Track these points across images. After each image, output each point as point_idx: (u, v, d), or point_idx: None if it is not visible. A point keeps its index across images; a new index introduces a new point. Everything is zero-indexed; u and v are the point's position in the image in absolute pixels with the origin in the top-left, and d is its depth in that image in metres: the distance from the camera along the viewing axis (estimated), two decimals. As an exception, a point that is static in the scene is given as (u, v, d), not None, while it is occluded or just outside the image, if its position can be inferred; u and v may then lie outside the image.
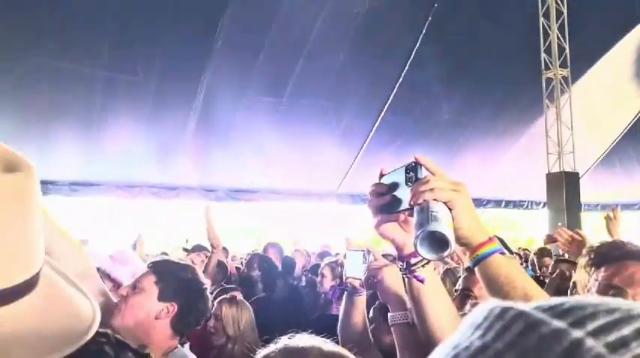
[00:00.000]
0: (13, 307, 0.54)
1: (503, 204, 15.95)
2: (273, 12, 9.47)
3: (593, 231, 18.47)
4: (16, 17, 7.94)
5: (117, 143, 10.22)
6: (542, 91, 10.49)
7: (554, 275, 2.82)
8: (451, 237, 0.78)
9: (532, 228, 18.36)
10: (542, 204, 15.30)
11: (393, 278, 1.24)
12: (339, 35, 10.28)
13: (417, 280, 1.00)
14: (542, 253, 4.29)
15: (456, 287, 1.69)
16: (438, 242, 0.78)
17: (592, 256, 1.13)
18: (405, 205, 0.93)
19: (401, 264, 1.02)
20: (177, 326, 1.64)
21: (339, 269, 3.53)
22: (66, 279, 0.66)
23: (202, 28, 9.16)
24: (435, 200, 0.84)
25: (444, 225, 0.79)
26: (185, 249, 6.64)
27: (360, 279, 1.40)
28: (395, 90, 11.44)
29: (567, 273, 2.73)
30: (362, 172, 13.05)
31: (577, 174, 10.67)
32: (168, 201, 11.94)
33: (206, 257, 3.97)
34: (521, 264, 6.08)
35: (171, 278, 1.67)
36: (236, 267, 5.12)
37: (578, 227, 10.25)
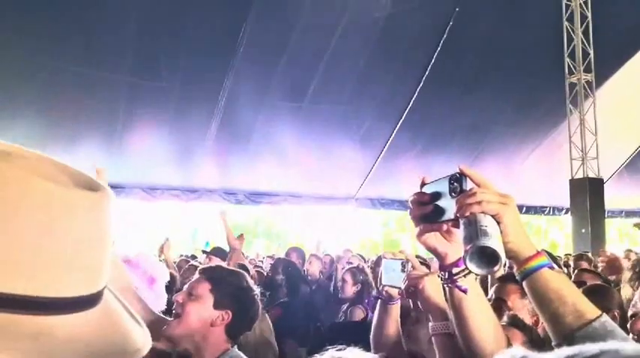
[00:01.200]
0: (72, 318, 0.55)
1: (525, 209, 15.72)
2: (295, 17, 9.55)
3: (618, 237, 18.15)
4: (40, 24, 8.13)
5: (140, 146, 10.40)
6: (565, 96, 10.34)
7: (575, 282, 2.83)
8: (502, 252, 0.79)
9: (553, 234, 18.07)
10: (564, 210, 15.07)
11: (434, 287, 1.25)
12: (359, 40, 10.30)
13: (460, 290, 1.00)
14: (580, 257, 4.23)
15: (488, 296, 1.69)
16: (487, 257, 0.79)
17: (637, 270, 1.11)
18: (448, 215, 0.93)
19: (442, 273, 1.03)
20: (232, 331, 1.69)
21: (360, 275, 3.52)
22: (118, 300, 0.66)
23: (224, 34, 9.29)
24: (482, 213, 0.85)
25: (494, 239, 0.80)
26: (204, 252, 6.69)
27: (399, 288, 1.41)
28: (415, 95, 11.40)
29: (588, 282, 2.74)
30: (381, 177, 13.03)
31: (601, 179, 10.48)
32: (189, 204, 12.09)
33: (222, 259, 4.00)
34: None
35: (226, 285, 1.71)
36: (257, 271, 5.17)
37: (602, 234, 10.08)
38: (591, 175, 10.11)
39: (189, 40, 9.05)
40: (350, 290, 3.40)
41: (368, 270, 3.63)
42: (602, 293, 1.99)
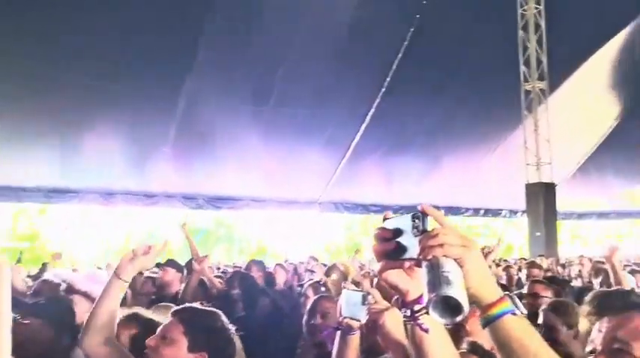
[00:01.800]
0: None
1: (482, 212, 16.17)
2: (257, 21, 9.46)
3: (570, 239, 18.91)
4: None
5: (96, 150, 10.05)
6: (520, 103, 10.69)
7: (528, 293, 2.91)
8: (465, 303, 0.77)
9: (510, 236, 18.62)
10: (519, 213, 15.58)
11: (394, 323, 1.23)
12: (322, 44, 10.31)
13: (421, 329, 0.98)
14: (531, 265, 4.36)
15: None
16: (451, 307, 0.77)
17: (594, 305, 1.12)
18: (411, 254, 0.92)
19: (404, 310, 1.01)
20: None
21: (322, 288, 3.47)
22: None
23: (184, 36, 9.07)
24: (445, 256, 0.83)
25: (456, 288, 0.78)
26: (158, 264, 6.49)
27: (359, 321, 1.38)
28: (378, 100, 11.52)
29: (541, 293, 2.82)
30: (345, 180, 13.10)
31: (554, 185, 10.88)
32: (147, 209, 11.78)
33: (178, 271, 3.87)
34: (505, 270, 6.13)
35: (200, 327, 1.67)
36: (219, 281, 5.04)
37: (554, 236, 10.47)
38: (545, 180, 10.48)
39: (146, 42, 8.80)
40: (314, 305, 3.34)
41: (330, 283, 3.59)
42: (563, 311, 2.04)
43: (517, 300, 0.87)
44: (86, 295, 2.41)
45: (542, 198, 10.15)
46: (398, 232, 0.97)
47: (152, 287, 4.24)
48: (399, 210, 14.90)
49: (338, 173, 12.77)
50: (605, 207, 16.89)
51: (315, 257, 7.20)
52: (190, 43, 9.13)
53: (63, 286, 2.44)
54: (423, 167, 13.34)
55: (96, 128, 9.62)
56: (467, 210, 15.87)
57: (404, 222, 0.96)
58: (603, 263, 4.26)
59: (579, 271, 4.95)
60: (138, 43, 8.76)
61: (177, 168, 11.02)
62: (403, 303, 1.02)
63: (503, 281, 5.05)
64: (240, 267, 5.99)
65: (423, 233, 0.89)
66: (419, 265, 0.91)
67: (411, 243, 0.91)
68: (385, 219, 1.03)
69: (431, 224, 0.95)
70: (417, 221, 0.91)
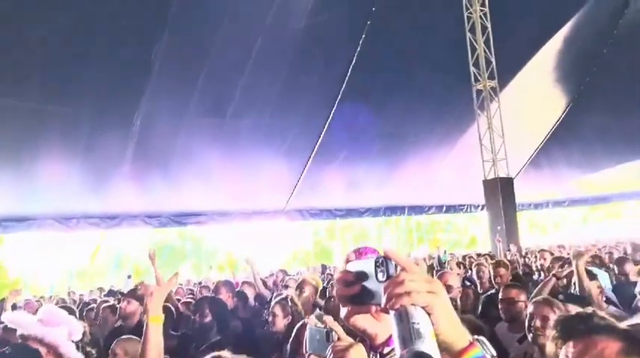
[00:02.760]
0: None
1: (445, 209, 16.56)
2: (212, 32, 9.37)
3: (529, 228, 19.62)
4: None
5: (50, 175, 9.71)
6: (473, 102, 11.03)
7: (503, 299, 2.97)
8: (437, 356, 0.77)
9: (473, 229, 19.12)
10: (480, 207, 16.05)
11: (359, 361, 1.26)
12: (278, 53, 10.34)
13: (391, 372, 1.01)
14: (498, 264, 4.52)
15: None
16: None
17: (559, 329, 1.16)
18: (377, 300, 0.91)
19: (373, 354, 1.02)
20: None
21: (290, 306, 3.44)
22: None
23: (137, 52, 8.88)
24: (412, 304, 0.81)
25: (428, 341, 0.78)
26: (121, 294, 6.34)
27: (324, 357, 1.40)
28: (335, 107, 11.65)
29: (516, 298, 2.91)
30: (309, 188, 13.15)
31: (511, 179, 11.27)
32: (109, 231, 11.46)
33: (140, 304, 3.81)
34: (467, 272, 6.32)
35: None
36: (185, 302, 4.95)
37: (515, 228, 10.84)
38: (502, 175, 10.85)
39: (98, 61, 8.57)
40: (281, 323, 3.32)
41: (297, 300, 3.59)
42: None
43: (486, 343, 0.88)
44: (41, 341, 2.35)
45: (500, 193, 10.49)
46: (362, 276, 0.96)
47: (114, 317, 4.17)
48: (365, 212, 15.16)
49: (301, 181, 12.81)
50: (558, 196, 17.63)
51: (284, 270, 7.19)
52: (144, 59, 8.93)
53: (19, 332, 2.38)
54: (384, 169, 13.55)
55: (49, 152, 9.30)
56: (430, 208, 16.23)
57: (368, 265, 0.95)
58: (563, 260, 4.47)
59: (541, 265, 5.16)
60: (87, 61, 8.52)
61: (137, 187, 10.78)
62: (372, 347, 1.02)
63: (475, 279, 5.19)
64: (209, 287, 5.94)
65: (388, 278, 0.88)
66: (386, 312, 0.91)
67: (377, 288, 0.89)
68: (348, 261, 1.03)
69: (395, 269, 0.94)
70: (380, 267, 0.89)
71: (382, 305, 0.87)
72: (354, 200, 14.54)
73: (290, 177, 12.74)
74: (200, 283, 6.93)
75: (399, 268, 0.90)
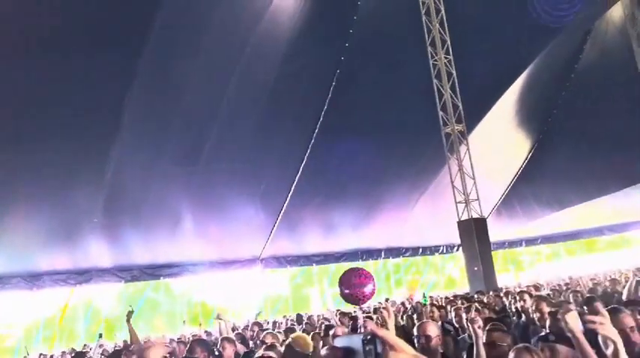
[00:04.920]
0: None
1: (421, 250, 16.59)
2: (183, 78, 9.41)
3: (503, 264, 19.77)
4: None
5: (16, 230, 9.39)
6: (443, 145, 11.29)
7: (487, 343, 2.94)
8: None
9: (450, 270, 19.12)
10: (456, 247, 16.16)
11: None
12: (251, 100, 10.44)
13: None
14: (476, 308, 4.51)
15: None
16: None
17: None
18: None
19: None
20: None
21: None
22: None
23: (107, 102, 8.78)
24: None
25: None
26: None
27: None
28: (308, 151, 11.75)
29: (498, 342, 2.87)
30: (284, 234, 13.03)
31: (484, 219, 11.43)
32: (79, 288, 11.01)
33: None
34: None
35: None
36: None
37: (491, 267, 10.89)
38: (475, 215, 10.99)
39: (67, 109, 8.42)
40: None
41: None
42: None
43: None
44: None
45: (474, 233, 10.59)
46: (350, 352, 0.97)
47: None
48: (341, 257, 15.03)
49: (276, 227, 12.71)
50: (531, 233, 17.94)
51: (260, 323, 7.01)
52: (114, 107, 8.84)
53: None
54: (359, 213, 13.60)
55: (16, 207, 9.02)
56: (406, 250, 16.24)
57: (355, 341, 0.96)
58: (545, 298, 4.46)
59: (521, 307, 5.16)
60: (53, 109, 8.33)
61: (108, 241, 10.51)
62: None
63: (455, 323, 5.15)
64: (185, 343, 5.72)
65: (376, 357, 0.90)
66: None
67: None
68: (335, 336, 1.04)
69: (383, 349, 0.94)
70: (369, 346, 0.91)
71: None
72: (330, 245, 14.46)
73: (265, 224, 12.63)
74: (177, 340, 6.67)
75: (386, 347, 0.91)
